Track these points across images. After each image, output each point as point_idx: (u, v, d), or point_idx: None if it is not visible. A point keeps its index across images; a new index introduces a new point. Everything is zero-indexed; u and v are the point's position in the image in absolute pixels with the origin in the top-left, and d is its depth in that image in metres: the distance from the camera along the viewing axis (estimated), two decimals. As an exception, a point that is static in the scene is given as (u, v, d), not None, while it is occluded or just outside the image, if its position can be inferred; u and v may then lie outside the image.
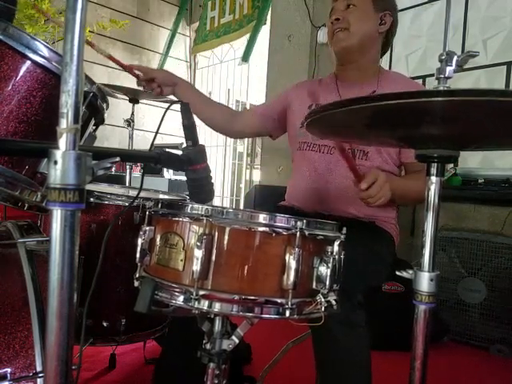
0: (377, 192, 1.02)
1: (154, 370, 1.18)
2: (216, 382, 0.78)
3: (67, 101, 0.46)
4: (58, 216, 0.46)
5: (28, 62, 0.86)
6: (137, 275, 0.77)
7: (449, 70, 0.62)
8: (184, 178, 0.86)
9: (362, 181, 1.01)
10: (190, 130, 0.88)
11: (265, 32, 3.52)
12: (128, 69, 1.29)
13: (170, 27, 4.46)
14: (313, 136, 1.34)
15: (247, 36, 3.75)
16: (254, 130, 1.56)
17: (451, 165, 2.29)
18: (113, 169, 2.79)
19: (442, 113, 0.58)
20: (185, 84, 1.44)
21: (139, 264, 0.77)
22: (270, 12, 3.48)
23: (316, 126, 0.75)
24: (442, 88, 0.62)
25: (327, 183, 1.29)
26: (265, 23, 3.54)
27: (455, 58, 0.62)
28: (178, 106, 0.89)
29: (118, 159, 0.58)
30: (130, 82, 1.47)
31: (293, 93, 1.49)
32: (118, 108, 3.21)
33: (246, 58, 3.50)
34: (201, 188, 0.87)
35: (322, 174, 1.31)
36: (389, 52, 2.76)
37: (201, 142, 0.88)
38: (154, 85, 1.35)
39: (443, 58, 0.62)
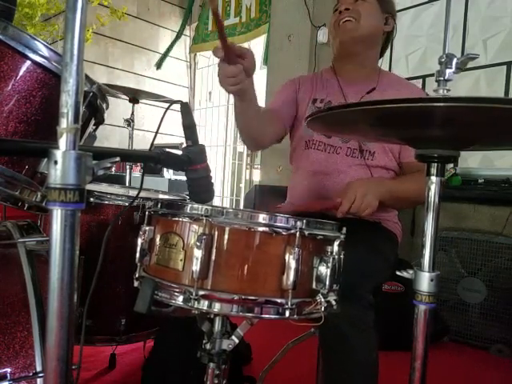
0: (358, 208, 1.06)
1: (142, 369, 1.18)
2: (216, 382, 0.78)
3: (67, 101, 0.46)
4: (57, 216, 0.46)
5: (28, 62, 0.86)
6: (136, 275, 0.77)
7: (448, 72, 0.62)
8: (184, 178, 0.86)
9: (338, 210, 1.06)
10: (190, 130, 0.88)
11: (265, 32, 3.53)
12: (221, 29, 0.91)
13: (171, 27, 4.45)
14: (319, 134, 1.33)
15: (260, 39, 3.75)
16: (280, 133, 1.39)
17: (451, 165, 2.29)
18: (113, 169, 2.79)
19: (443, 117, 0.59)
20: (252, 81, 1.20)
21: (139, 264, 0.77)
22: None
23: (320, 123, 0.75)
24: (441, 91, 0.62)
25: (334, 184, 1.28)
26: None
27: (455, 60, 0.62)
28: (177, 106, 0.89)
29: (117, 159, 0.58)
30: (130, 82, 1.46)
31: (297, 87, 1.42)
32: (117, 108, 3.21)
33: (266, 61, 3.52)
34: (201, 188, 0.87)
35: (327, 173, 1.30)
36: (389, 52, 2.75)
37: (201, 141, 0.88)
38: (239, 63, 1.06)
39: (443, 60, 0.62)
